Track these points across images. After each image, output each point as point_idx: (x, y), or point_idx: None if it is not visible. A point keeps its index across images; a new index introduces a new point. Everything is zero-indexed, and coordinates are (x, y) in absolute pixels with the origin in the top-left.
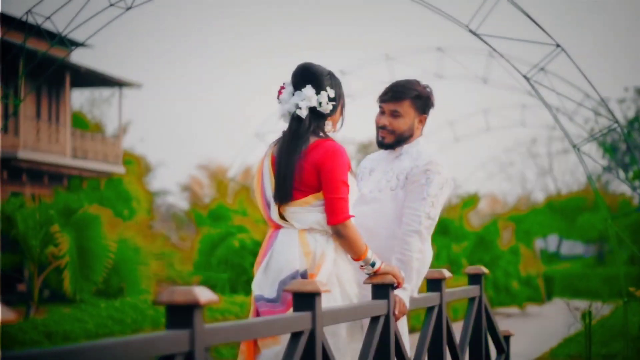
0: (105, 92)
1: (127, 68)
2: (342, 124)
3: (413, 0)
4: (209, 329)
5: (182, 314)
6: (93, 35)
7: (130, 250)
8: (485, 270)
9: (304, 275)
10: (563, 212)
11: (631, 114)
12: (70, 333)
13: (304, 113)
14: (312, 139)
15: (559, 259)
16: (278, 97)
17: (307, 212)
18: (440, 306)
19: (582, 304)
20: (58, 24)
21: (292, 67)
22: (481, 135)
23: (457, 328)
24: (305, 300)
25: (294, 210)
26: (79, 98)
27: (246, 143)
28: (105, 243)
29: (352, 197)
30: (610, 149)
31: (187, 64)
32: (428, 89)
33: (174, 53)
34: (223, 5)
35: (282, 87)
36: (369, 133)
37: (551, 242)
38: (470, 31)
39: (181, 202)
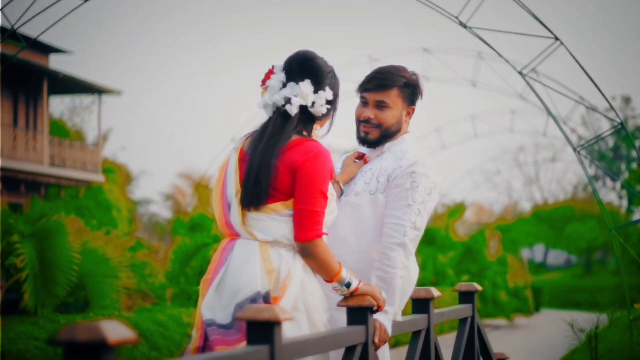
0: (85, 99)
1: (107, 74)
2: (328, 130)
3: None
4: None
5: (86, 357)
6: (49, 30)
7: (98, 262)
8: (478, 287)
9: (266, 298)
10: (550, 221)
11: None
12: (25, 352)
13: (294, 110)
14: (293, 137)
15: (546, 269)
16: (264, 82)
17: (272, 220)
18: (428, 330)
19: (579, 316)
20: (13, 19)
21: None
22: (468, 141)
23: (443, 342)
24: (262, 330)
25: (257, 217)
26: (59, 106)
27: (223, 149)
28: (69, 254)
29: (329, 214)
30: (602, 157)
31: (169, 69)
32: (415, 76)
33: (155, 58)
34: (204, 7)
35: (271, 71)
36: (352, 142)
37: (537, 251)
38: (461, 23)
39: (164, 211)
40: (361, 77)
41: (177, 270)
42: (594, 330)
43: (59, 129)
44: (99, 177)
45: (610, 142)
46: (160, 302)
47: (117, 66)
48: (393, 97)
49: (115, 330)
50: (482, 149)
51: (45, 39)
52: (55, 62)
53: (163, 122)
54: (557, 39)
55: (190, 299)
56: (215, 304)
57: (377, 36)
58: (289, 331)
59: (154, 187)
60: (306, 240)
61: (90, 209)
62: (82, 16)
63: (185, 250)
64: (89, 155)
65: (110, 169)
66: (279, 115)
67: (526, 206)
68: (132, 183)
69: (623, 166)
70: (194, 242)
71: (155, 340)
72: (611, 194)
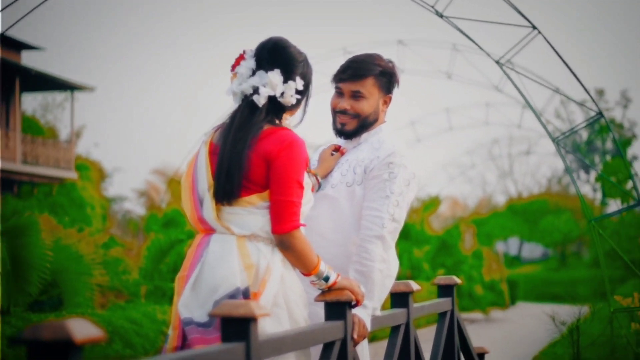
0: (58, 96)
1: (80, 71)
2: (301, 119)
3: None
4: None
5: (52, 357)
6: (22, 27)
7: (71, 259)
8: (457, 280)
9: (245, 294)
10: (525, 214)
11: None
12: None
13: (261, 101)
14: (265, 127)
15: (521, 262)
16: (233, 68)
17: (249, 214)
18: (407, 324)
19: (555, 309)
20: None
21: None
22: (443, 134)
23: (420, 336)
24: (238, 327)
25: (233, 211)
26: (31, 103)
27: (195, 145)
28: (42, 252)
29: (305, 204)
30: (577, 149)
31: (141, 65)
32: (391, 64)
33: (127, 53)
34: (204, 7)
35: (242, 57)
36: (327, 135)
37: (512, 245)
38: (437, 13)
39: (138, 208)
40: (335, 71)
41: (151, 266)
42: (576, 323)
43: (32, 127)
44: (72, 175)
45: (584, 135)
46: (134, 299)
47: (89, 62)
48: (369, 87)
49: (82, 329)
50: (457, 142)
51: (18, 35)
52: (27, 59)
53: (136, 117)
54: (534, 27)
55: (165, 295)
56: (192, 302)
57: (350, 30)
58: (270, 327)
59: (128, 184)
60: (284, 232)
61: (63, 207)
62: (57, 11)
63: (159, 247)
64: (62, 153)
65: (84, 166)
66: (247, 105)
67: (500, 199)
68: (105, 180)
69: (597, 158)
70: (168, 238)
71: (129, 337)
72: (585, 187)
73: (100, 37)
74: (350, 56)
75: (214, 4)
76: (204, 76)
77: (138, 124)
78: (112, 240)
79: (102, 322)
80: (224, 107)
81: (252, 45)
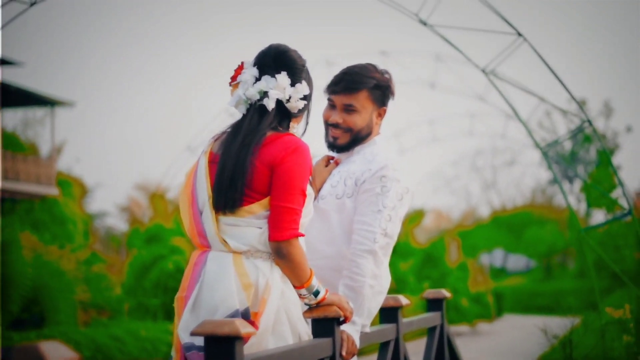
0: (39, 112)
1: (61, 85)
2: (304, 130)
3: None
4: None
5: None
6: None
7: (53, 276)
8: (446, 294)
9: (245, 315)
10: (509, 226)
11: (574, 126)
12: None
13: (271, 104)
14: (268, 133)
15: (506, 273)
16: (234, 78)
17: (247, 225)
18: (396, 340)
19: (542, 321)
20: None
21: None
22: (427, 145)
23: (410, 349)
24: (222, 346)
25: (232, 222)
26: (12, 119)
27: (177, 158)
28: (23, 269)
29: (306, 215)
30: (562, 159)
31: (122, 79)
32: (387, 75)
33: (110, 67)
34: (204, 7)
35: (241, 67)
36: (316, 148)
37: (496, 256)
38: (421, 21)
39: (120, 224)
40: (317, 83)
41: (134, 283)
42: (568, 336)
43: (12, 143)
44: (53, 191)
45: (568, 145)
46: (117, 316)
47: (69, 77)
48: (362, 101)
49: (55, 352)
50: (441, 153)
51: None
52: (6, 75)
53: (117, 132)
54: (519, 34)
55: (148, 312)
56: (192, 325)
57: (331, 41)
58: (273, 345)
59: (110, 199)
60: (282, 239)
61: (45, 223)
62: (35, 25)
63: (142, 263)
64: (43, 169)
65: (66, 182)
66: (256, 111)
67: (484, 211)
68: (87, 196)
69: (581, 169)
70: (151, 254)
71: (112, 355)
72: (569, 197)
73: (81, 50)
74: (332, 67)
75: (214, 4)
76: (203, 77)
77: (119, 138)
78: (94, 256)
79: (85, 340)
80: (212, 117)
81: (251, 46)
